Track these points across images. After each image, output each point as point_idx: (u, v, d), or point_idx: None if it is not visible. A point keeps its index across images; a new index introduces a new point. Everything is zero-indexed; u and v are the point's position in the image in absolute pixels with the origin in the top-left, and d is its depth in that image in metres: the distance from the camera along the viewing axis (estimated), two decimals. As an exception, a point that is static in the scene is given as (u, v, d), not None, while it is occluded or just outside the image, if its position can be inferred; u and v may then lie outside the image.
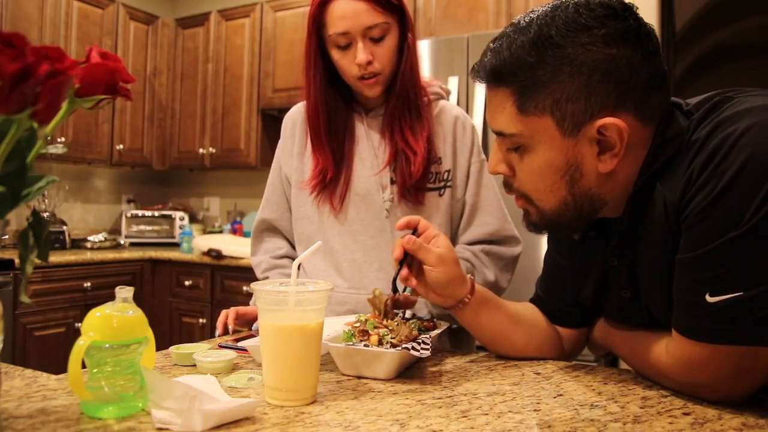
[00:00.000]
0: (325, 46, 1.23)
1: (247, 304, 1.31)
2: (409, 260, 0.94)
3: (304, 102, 1.38)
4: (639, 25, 0.76)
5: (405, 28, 1.23)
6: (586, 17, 0.74)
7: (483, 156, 1.32)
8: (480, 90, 2.58)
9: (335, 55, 1.21)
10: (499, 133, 0.82)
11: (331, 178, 1.27)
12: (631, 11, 0.76)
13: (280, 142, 1.40)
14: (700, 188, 0.70)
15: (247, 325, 1.22)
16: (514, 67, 0.76)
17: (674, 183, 0.75)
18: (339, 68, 1.22)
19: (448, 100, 1.37)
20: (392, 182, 1.25)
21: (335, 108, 1.28)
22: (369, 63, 1.18)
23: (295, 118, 1.37)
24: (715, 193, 0.68)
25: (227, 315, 1.20)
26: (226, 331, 1.18)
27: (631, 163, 0.78)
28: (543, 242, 1.10)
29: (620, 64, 0.73)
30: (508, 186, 0.87)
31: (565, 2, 0.77)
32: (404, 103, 1.24)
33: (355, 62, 1.18)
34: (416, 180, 1.22)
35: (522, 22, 0.78)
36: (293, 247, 1.39)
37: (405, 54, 1.23)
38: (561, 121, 0.76)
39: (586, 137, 0.76)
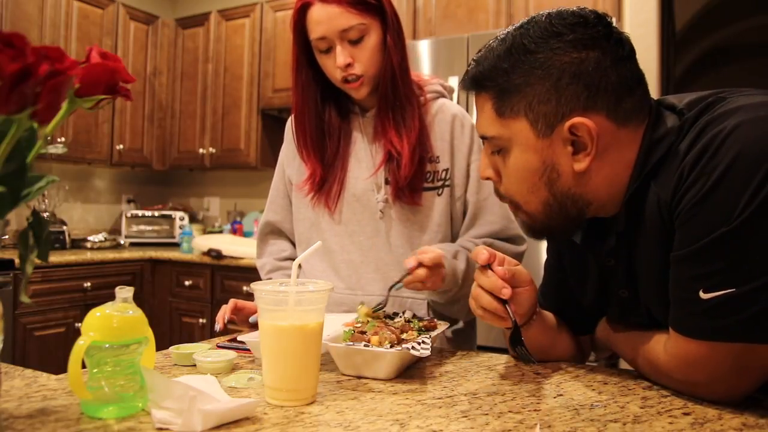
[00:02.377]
0: (312, 51, 1.24)
1: (247, 304, 1.31)
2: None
3: None
4: (609, 32, 0.79)
5: (386, 26, 1.21)
6: (557, 25, 0.78)
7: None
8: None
9: (320, 59, 1.22)
10: (482, 137, 0.86)
11: (322, 180, 1.27)
12: (602, 19, 0.80)
13: (283, 146, 1.41)
14: (691, 186, 0.71)
15: (245, 320, 1.22)
16: (492, 73, 0.81)
17: (667, 181, 0.76)
18: (325, 72, 1.23)
19: (450, 98, 1.35)
20: (387, 183, 1.25)
21: (329, 109, 1.28)
22: (349, 65, 1.18)
23: None
24: (705, 190, 0.69)
25: (226, 308, 1.20)
26: (226, 328, 1.18)
27: (611, 163, 0.80)
28: (543, 243, 1.09)
29: (589, 67, 0.77)
30: (497, 193, 0.89)
31: (541, 14, 0.82)
32: (387, 105, 1.23)
33: (336, 66, 1.18)
34: (407, 181, 1.22)
35: (502, 34, 0.83)
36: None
37: (385, 55, 1.21)
38: (534, 123, 0.79)
39: (560, 138, 0.79)
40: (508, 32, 0.82)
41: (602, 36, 0.78)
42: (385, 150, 1.24)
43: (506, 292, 0.85)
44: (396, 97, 1.23)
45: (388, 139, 1.23)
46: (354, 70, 1.18)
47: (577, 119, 0.77)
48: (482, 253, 0.87)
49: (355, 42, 1.18)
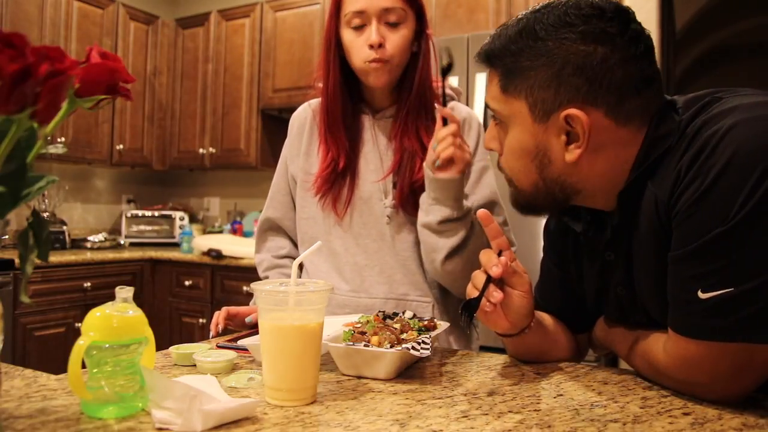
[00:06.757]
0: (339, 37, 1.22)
1: (247, 304, 1.30)
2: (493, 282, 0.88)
3: (311, 101, 1.37)
4: (625, 28, 0.77)
5: (422, 25, 1.22)
6: (572, 15, 0.78)
7: (488, 157, 1.29)
8: (480, 90, 2.58)
9: (348, 36, 1.19)
10: (488, 106, 0.89)
11: (343, 168, 1.24)
12: (621, 14, 0.78)
13: (286, 141, 1.38)
14: (688, 185, 0.71)
15: (241, 325, 1.21)
16: (501, 52, 0.84)
17: (664, 181, 0.76)
18: (349, 52, 1.20)
19: (459, 100, 1.35)
20: (394, 187, 1.23)
21: (345, 105, 1.26)
22: (380, 45, 1.16)
23: (302, 117, 1.36)
24: (702, 190, 0.69)
25: (218, 316, 1.19)
26: (219, 333, 1.17)
27: (607, 159, 0.80)
28: (540, 244, 1.08)
29: (594, 62, 0.76)
30: (500, 167, 0.91)
31: (560, 1, 0.81)
32: (421, 104, 1.22)
33: (367, 43, 1.16)
34: (420, 184, 1.18)
35: (521, 14, 0.85)
36: (296, 246, 1.38)
37: (423, 52, 1.21)
38: (533, 107, 0.81)
39: (555, 126, 0.80)
40: (525, 14, 0.83)
41: (616, 32, 0.76)
42: (400, 154, 1.22)
43: (496, 270, 0.85)
44: (426, 98, 1.22)
45: (418, 140, 1.21)
46: (384, 52, 1.16)
47: (572, 110, 0.77)
48: (498, 235, 0.90)
49: (392, 25, 1.17)
